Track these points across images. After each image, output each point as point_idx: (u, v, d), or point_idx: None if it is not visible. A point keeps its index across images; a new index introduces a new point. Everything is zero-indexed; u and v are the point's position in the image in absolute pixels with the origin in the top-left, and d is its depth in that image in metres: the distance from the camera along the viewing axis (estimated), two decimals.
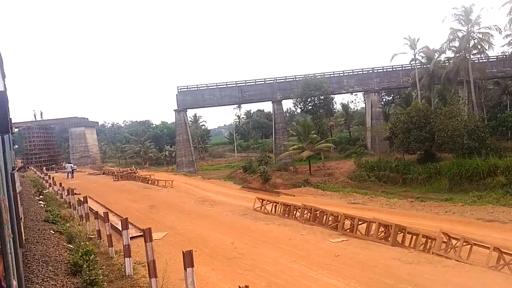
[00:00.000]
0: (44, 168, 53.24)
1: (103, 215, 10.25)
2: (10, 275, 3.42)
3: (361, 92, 61.98)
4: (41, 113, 57.08)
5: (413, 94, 66.17)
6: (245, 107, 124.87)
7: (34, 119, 56.03)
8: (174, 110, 58.28)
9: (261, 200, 18.66)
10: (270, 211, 17.48)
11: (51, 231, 10.72)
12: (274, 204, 17.75)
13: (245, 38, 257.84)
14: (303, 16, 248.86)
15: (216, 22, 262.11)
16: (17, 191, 7.37)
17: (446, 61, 47.98)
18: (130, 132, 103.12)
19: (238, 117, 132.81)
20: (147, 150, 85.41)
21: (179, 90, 57.88)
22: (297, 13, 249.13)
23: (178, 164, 58.46)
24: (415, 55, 49.07)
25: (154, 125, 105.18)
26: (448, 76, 43.87)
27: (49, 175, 33.94)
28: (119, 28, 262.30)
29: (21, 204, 8.89)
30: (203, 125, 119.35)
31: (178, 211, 17.13)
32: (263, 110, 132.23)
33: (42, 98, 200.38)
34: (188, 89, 58.04)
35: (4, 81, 6.33)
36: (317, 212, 14.29)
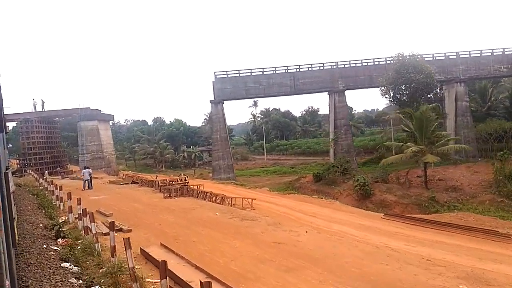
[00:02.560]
0: (46, 172, 41.53)
1: None
2: (3, 274, 3.42)
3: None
4: (43, 103, 45.60)
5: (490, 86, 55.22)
6: (262, 105, 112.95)
7: (33, 110, 44.45)
8: (210, 101, 46.68)
9: None
10: None
11: None
12: None
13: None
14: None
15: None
16: (11, 191, 7.17)
17: None
18: (141, 130, 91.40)
19: (254, 116, 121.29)
20: (163, 151, 73.69)
21: (216, 77, 46.30)
22: None
23: (214, 169, 46.74)
24: None
25: (169, 123, 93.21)
26: None
27: (55, 183, 22.70)
28: (126, 17, 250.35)
29: (14, 204, 8.69)
30: None
31: None
32: (279, 109, 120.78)
33: (42, 87, 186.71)
34: (228, 76, 46.46)
35: None
36: None
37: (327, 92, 48.93)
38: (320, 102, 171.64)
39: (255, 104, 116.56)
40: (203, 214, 15.58)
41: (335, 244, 11.68)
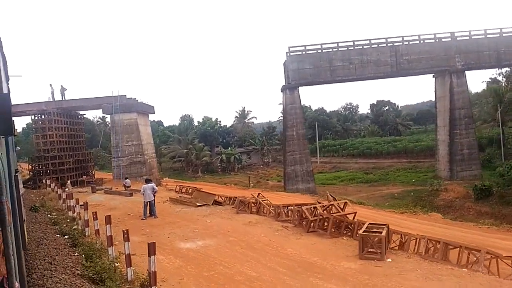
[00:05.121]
0: (69, 182, 30.40)
1: None
2: (13, 277, 3.39)
3: None
4: (63, 90, 34.11)
5: None
6: None
7: (51, 98, 33.33)
8: (282, 87, 35.16)
9: None
10: None
11: None
12: None
13: None
14: None
15: None
16: (21, 193, 7.05)
17: None
18: (169, 129, 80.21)
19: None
20: (199, 152, 62.24)
21: (290, 53, 34.63)
22: None
23: (287, 177, 34.86)
24: None
25: (197, 123, 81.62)
26: None
27: (86, 204, 11.61)
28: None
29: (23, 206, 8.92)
30: (252, 122, 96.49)
31: None
32: (310, 107, 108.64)
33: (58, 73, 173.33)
34: (306, 52, 34.76)
35: (8, 84, 6.40)
36: None
37: (433, 75, 37.03)
38: (358, 98, 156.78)
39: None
40: None
41: None
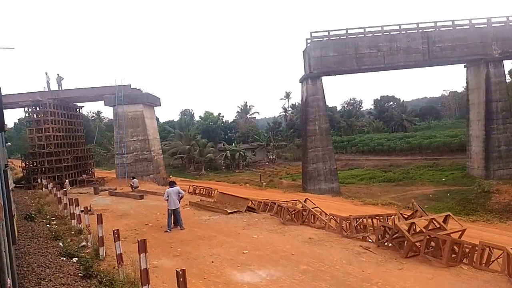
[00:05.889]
0: (67, 181, 27.11)
1: None
2: (5, 273, 3.34)
3: None
4: (60, 79, 30.40)
5: None
6: (296, 98, 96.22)
7: (46, 88, 29.73)
8: (302, 77, 31.99)
9: None
10: None
11: None
12: None
13: None
14: None
15: None
16: (10, 188, 7.36)
17: None
18: (170, 124, 76.57)
19: (285, 109, 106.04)
20: (203, 149, 58.85)
21: (312, 39, 31.42)
22: None
23: (309, 176, 31.66)
24: None
25: (202, 116, 77.92)
26: None
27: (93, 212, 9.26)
28: None
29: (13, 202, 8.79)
30: (254, 117, 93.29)
31: None
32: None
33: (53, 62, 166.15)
34: (330, 38, 31.53)
35: None
36: None
37: (464, 65, 34.08)
38: (361, 93, 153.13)
39: (288, 96, 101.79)
40: None
41: None
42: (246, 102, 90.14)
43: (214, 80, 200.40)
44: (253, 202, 16.93)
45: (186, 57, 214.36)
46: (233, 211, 15.39)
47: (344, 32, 31.45)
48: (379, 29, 31.67)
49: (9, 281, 3.46)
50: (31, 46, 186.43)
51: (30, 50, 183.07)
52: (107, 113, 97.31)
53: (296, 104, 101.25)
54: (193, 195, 25.63)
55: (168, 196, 12.89)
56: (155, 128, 33.95)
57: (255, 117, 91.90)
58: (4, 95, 30.01)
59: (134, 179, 24.41)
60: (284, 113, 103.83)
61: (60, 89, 30.60)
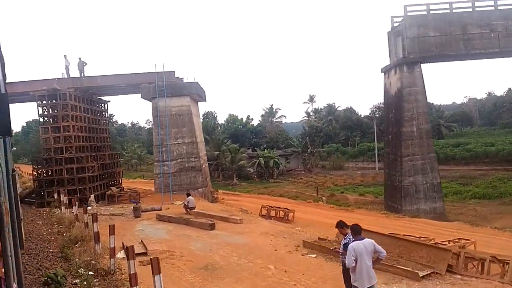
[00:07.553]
0: (92, 196, 20.22)
1: None
2: (10, 278, 3.30)
3: None
4: (82, 64, 23.43)
5: None
6: (320, 102, 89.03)
7: (65, 75, 22.85)
8: (389, 64, 24.87)
9: None
10: None
11: None
12: None
13: None
14: None
15: None
16: (18, 192, 7.16)
17: None
18: None
19: (308, 114, 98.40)
20: (235, 156, 51.69)
21: (407, 14, 24.36)
22: None
23: (405, 193, 24.08)
24: None
25: (228, 119, 70.98)
26: None
27: None
28: None
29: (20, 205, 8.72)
30: (280, 121, 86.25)
31: None
32: (334, 105, 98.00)
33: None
34: (429, 12, 24.41)
35: (4, 84, 6.18)
36: None
37: None
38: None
39: (312, 99, 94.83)
40: None
41: None
42: (272, 105, 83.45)
43: (234, 81, 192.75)
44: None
45: (203, 58, 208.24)
46: (427, 272, 8.18)
47: (447, 6, 24.34)
48: (492, 2, 24.53)
49: (15, 286, 3.36)
50: (45, 25, 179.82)
51: (43, 29, 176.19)
52: (118, 116, 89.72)
53: (319, 108, 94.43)
54: (268, 219, 18.50)
55: (353, 251, 5.69)
56: (201, 129, 26.98)
57: (281, 121, 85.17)
58: (10, 82, 23.02)
59: (190, 197, 17.29)
60: (307, 118, 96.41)
61: (83, 76, 23.75)
